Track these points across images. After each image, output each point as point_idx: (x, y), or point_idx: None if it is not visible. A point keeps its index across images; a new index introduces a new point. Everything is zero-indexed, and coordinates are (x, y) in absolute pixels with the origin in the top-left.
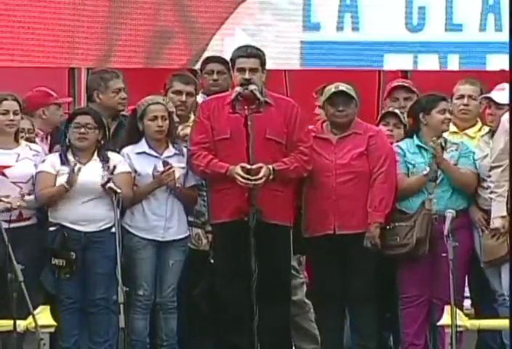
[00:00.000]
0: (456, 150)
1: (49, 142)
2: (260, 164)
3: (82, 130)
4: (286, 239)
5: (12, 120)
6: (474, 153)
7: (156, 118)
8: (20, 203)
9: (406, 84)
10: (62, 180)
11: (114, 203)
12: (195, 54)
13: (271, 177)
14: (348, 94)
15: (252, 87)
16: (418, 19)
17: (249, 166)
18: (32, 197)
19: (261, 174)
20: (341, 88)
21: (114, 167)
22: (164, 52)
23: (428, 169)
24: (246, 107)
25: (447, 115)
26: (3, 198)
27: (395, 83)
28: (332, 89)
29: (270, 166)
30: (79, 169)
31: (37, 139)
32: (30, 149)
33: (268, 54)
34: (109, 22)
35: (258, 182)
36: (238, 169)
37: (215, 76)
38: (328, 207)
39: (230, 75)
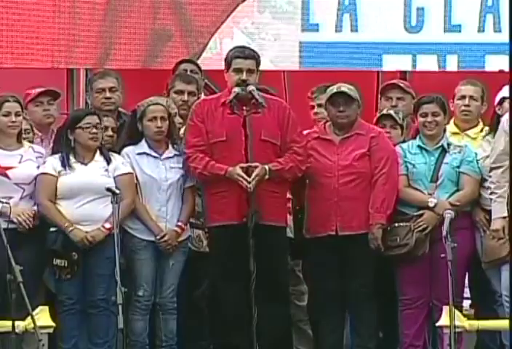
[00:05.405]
0: (459, 152)
1: (51, 145)
2: (257, 163)
3: (94, 130)
4: (283, 240)
5: (14, 121)
6: (477, 154)
7: (155, 118)
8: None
9: (400, 84)
10: (63, 181)
11: (114, 204)
12: (193, 55)
13: (267, 176)
14: (349, 95)
15: (251, 88)
16: (417, 20)
17: (246, 165)
18: (35, 208)
19: (255, 174)
20: (342, 89)
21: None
22: (162, 53)
23: (434, 201)
24: (244, 108)
25: (429, 118)
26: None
27: (388, 82)
28: (333, 89)
29: (266, 166)
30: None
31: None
32: (34, 151)
33: (266, 55)
34: (107, 23)
35: (253, 182)
36: (238, 170)
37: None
38: (330, 208)
39: (201, 75)
